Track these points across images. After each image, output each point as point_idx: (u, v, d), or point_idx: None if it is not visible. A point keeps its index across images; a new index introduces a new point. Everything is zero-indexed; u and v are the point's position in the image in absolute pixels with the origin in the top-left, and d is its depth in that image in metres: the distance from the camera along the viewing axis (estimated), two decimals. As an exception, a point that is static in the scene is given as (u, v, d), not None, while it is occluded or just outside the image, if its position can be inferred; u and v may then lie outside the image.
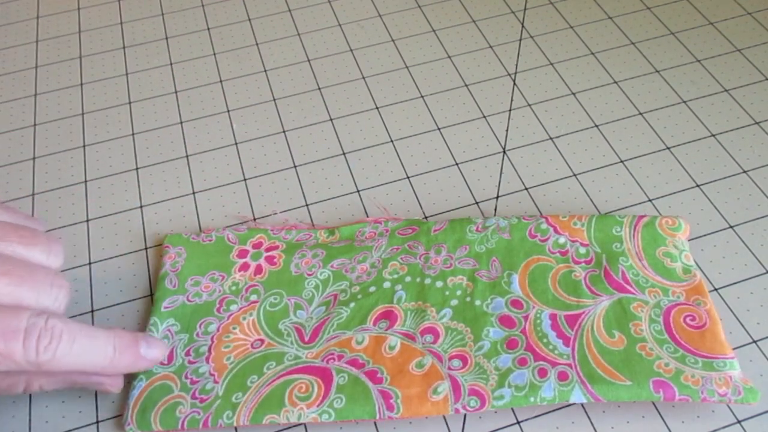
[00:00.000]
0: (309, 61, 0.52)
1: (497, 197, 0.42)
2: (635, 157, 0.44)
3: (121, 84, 0.51)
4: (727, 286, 0.38)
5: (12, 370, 0.29)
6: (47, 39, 0.54)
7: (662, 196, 0.42)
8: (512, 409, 0.34)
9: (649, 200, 0.42)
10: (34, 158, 0.46)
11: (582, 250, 0.38)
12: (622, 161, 0.44)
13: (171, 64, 0.52)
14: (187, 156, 0.46)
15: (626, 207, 0.42)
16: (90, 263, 0.40)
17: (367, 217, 0.42)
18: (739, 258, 0.39)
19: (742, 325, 0.36)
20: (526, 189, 0.43)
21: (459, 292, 0.37)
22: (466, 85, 0.49)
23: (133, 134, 0.47)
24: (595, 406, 0.34)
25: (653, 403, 0.34)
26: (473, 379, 0.33)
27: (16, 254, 0.31)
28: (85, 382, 0.33)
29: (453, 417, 0.34)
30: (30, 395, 0.35)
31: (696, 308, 0.35)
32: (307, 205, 0.43)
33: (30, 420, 0.35)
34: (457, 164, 0.44)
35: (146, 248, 0.41)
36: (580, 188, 0.43)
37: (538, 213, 0.41)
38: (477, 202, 0.42)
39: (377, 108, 0.48)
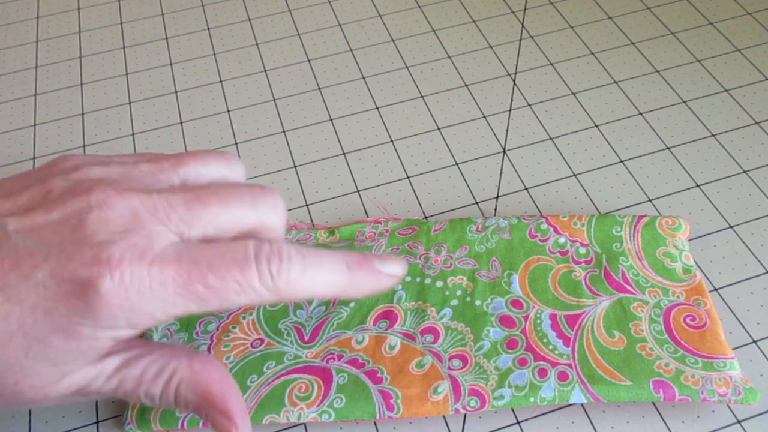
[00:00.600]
0: (309, 61, 0.52)
1: (497, 197, 0.43)
2: (635, 157, 0.44)
3: (121, 84, 0.51)
4: (727, 286, 0.38)
5: (255, 303, 0.27)
6: (47, 39, 0.54)
7: (662, 196, 0.42)
8: (512, 409, 0.34)
9: (649, 200, 0.42)
10: (34, 158, 0.46)
11: (582, 250, 0.38)
12: (622, 161, 0.44)
13: (171, 64, 0.52)
14: (187, 156, 0.46)
15: (626, 207, 0.42)
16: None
17: (367, 217, 0.42)
18: (739, 258, 0.39)
19: (742, 325, 0.36)
20: (526, 189, 0.43)
21: (459, 292, 0.37)
22: (466, 85, 0.49)
23: (133, 134, 0.47)
24: (595, 406, 0.34)
25: (653, 403, 0.34)
26: (473, 379, 0.33)
27: (202, 176, 0.29)
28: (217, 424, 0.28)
29: (453, 417, 0.34)
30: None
31: (696, 308, 0.35)
32: (307, 205, 0.43)
33: (30, 420, 0.35)
34: (457, 164, 0.44)
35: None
36: (580, 188, 0.43)
37: (538, 213, 0.41)
38: (477, 202, 0.42)
39: (377, 108, 0.48)
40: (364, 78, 0.50)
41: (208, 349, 0.35)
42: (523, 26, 0.53)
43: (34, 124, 0.48)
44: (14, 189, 0.27)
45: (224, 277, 0.26)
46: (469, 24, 0.54)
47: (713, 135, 0.45)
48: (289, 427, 0.34)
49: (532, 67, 0.50)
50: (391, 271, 0.29)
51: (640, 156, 0.44)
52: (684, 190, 0.42)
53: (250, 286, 0.26)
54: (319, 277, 0.27)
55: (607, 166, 0.44)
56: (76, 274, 0.24)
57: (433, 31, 0.53)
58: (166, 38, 0.54)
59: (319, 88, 0.50)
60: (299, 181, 0.44)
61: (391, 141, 0.46)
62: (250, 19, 0.55)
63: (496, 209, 0.42)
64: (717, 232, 0.40)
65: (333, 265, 0.28)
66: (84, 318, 0.24)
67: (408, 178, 0.44)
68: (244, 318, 0.36)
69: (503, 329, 0.35)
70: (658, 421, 0.33)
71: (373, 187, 0.43)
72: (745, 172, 0.43)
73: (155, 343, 0.28)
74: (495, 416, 0.34)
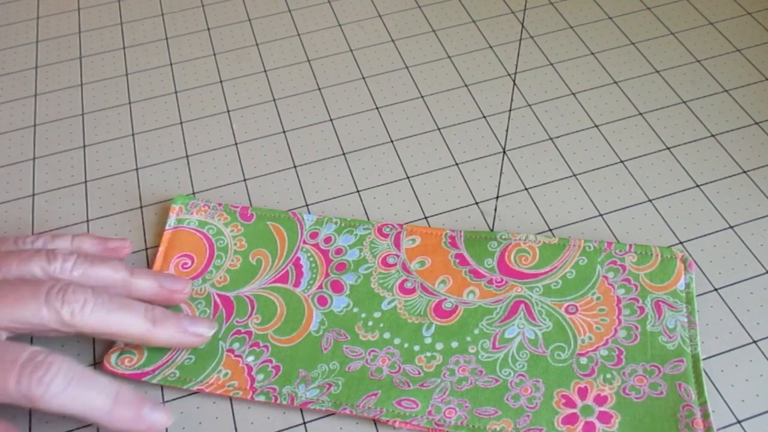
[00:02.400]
0: (309, 61, 0.52)
1: (497, 197, 0.43)
2: (635, 157, 0.44)
3: (121, 84, 0.51)
4: (727, 286, 0.38)
5: (5, 402, 0.30)
6: (47, 39, 0.54)
7: (662, 196, 0.42)
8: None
9: (649, 200, 0.42)
10: (34, 158, 0.46)
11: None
12: (622, 161, 0.44)
13: (171, 64, 0.52)
14: (187, 156, 0.46)
15: (626, 207, 0.42)
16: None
17: (368, 219, 0.42)
18: (739, 258, 0.39)
19: (742, 325, 0.37)
20: (526, 189, 0.43)
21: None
22: (466, 85, 0.49)
23: (133, 134, 0.47)
24: (595, 406, 0.34)
25: (653, 403, 0.34)
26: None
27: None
28: None
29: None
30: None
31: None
32: (307, 205, 0.43)
33: (30, 420, 0.35)
34: (457, 164, 0.44)
35: (146, 248, 0.41)
36: (580, 188, 0.43)
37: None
38: (477, 203, 0.42)
39: (377, 108, 0.48)
40: (364, 78, 0.50)
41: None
42: (523, 26, 0.53)
43: (34, 125, 0.48)
44: None
45: None
46: (469, 24, 0.54)
47: (713, 135, 0.45)
48: (290, 427, 0.34)
49: (532, 67, 0.50)
50: (156, 419, 0.32)
51: (640, 156, 0.44)
52: (684, 190, 0.42)
53: (4, 389, 0.30)
54: (77, 400, 0.30)
55: (607, 166, 0.44)
56: None
57: (433, 31, 0.53)
58: (166, 38, 0.54)
59: (319, 88, 0.50)
60: (299, 181, 0.44)
61: (391, 141, 0.46)
62: (250, 19, 0.55)
63: (496, 209, 0.42)
64: (717, 232, 0.40)
65: (98, 394, 0.31)
66: None
67: (408, 178, 0.44)
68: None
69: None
70: (658, 421, 0.33)
71: (373, 187, 0.43)
72: (745, 172, 0.43)
73: None
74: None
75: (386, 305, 0.37)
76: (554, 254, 0.39)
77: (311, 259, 0.39)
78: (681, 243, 0.40)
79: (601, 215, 0.41)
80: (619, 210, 0.41)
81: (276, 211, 0.41)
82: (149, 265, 0.40)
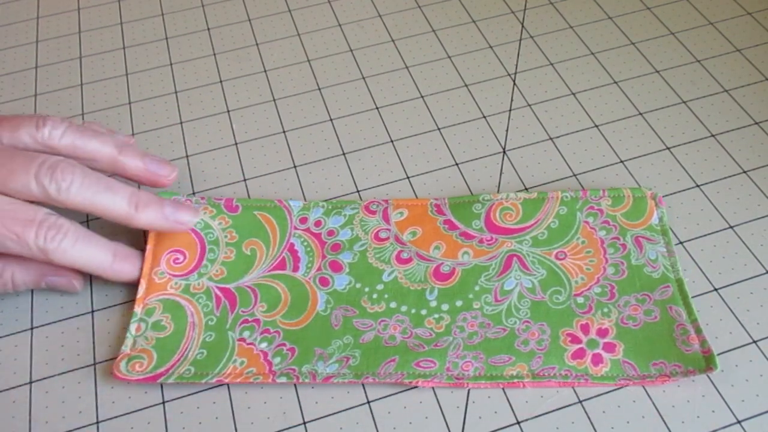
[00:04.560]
0: (309, 61, 0.52)
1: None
2: (635, 157, 0.44)
3: (121, 84, 0.51)
4: (727, 286, 0.38)
5: (25, 254, 0.35)
6: (47, 39, 0.54)
7: (662, 196, 0.42)
8: (512, 409, 0.34)
9: (649, 200, 0.42)
10: (34, 158, 0.46)
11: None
12: (622, 161, 0.44)
13: (171, 64, 0.52)
14: (187, 156, 0.46)
15: (626, 207, 0.42)
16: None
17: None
18: (739, 258, 0.39)
19: (742, 325, 0.37)
20: (526, 189, 0.43)
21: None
22: (466, 85, 0.49)
23: (132, 134, 0.47)
24: (596, 406, 0.34)
25: (653, 403, 0.34)
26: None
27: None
28: (56, 282, 0.38)
29: (453, 417, 0.34)
30: (30, 395, 0.35)
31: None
32: (307, 205, 0.43)
33: (30, 420, 0.35)
34: (457, 164, 0.44)
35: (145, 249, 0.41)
36: (580, 188, 0.43)
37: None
38: (477, 202, 0.42)
39: (377, 108, 0.48)
40: (364, 78, 0.50)
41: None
42: (523, 26, 0.53)
43: (34, 124, 0.48)
44: None
45: (8, 228, 0.34)
46: (469, 24, 0.54)
47: (713, 135, 0.45)
48: (290, 427, 0.34)
49: (532, 67, 0.50)
50: (182, 219, 0.38)
51: (640, 156, 0.44)
52: (684, 190, 0.42)
53: (26, 242, 0.34)
54: (84, 254, 0.36)
55: (607, 166, 0.44)
56: None
57: (433, 31, 0.53)
58: (166, 38, 0.54)
59: (319, 88, 0.50)
60: (299, 181, 0.44)
61: (391, 141, 0.46)
62: (250, 19, 0.55)
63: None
64: (717, 232, 0.40)
65: (99, 251, 0.36)
66: None
67: (408, 178, 0.44)
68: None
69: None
70: (658, 421, 0.34)
71: (373, 187, 0.43)
72: (745, 172, 0.43)
73: None
74: (495, 416, 0.34)
75: (387, 277, 0.38)
76: (536, 208, 0.40)
77: (305, 243, 0.40)
78: (681, 243, 0.40)
79: (601, 215, 0.41)
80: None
81: (261, 200, 0.42)
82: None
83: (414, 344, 0.36)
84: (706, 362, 0.34)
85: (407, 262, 0.39)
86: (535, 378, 0.34)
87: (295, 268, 0.39)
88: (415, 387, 0.35)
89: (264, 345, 0.36)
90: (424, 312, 0.37)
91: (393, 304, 0.37)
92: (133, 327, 0.37)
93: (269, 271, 0.39)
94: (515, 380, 0.34)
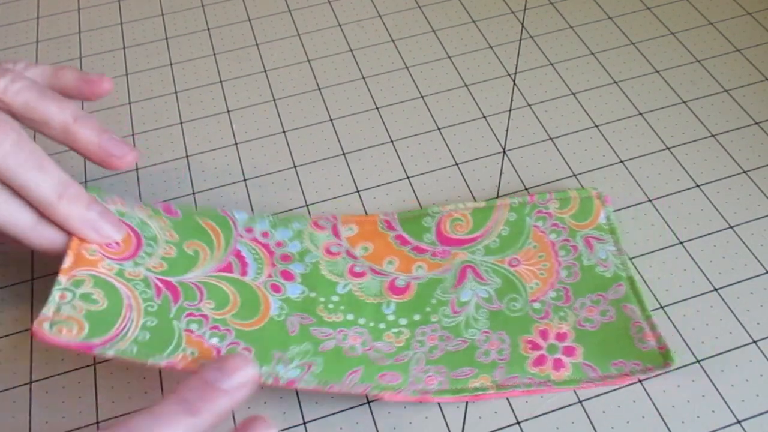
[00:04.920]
0: (309, 61, 0.52)
1: (497, 197, 0.43)
2: (635, 157, 0.44)
3: (121, 84, 0.51)
4: (728, 286, 0.38)
5: None
6: (47, 39, 0.54)
7: (662, 196, 0.42)
8: (512, 409, 0.34)
9: (649, 200, 0.42)
10: (34, 158, 0.46)
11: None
12: (622, 161, 0.44)
13: (171, 64, 0.52)
14: (187, 156, 0.46)
15: (627, 207, 0.42)
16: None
17: (366, 214, 0.42)
18: (739, 258, 0.39)
19: (742, 325, 0.37)
20: (526, 189, 0.43)
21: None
22: (466, 85, 0.49)
23: (133, 134, 0.47)
24: (596, 406, 0.34)
25: (653, 403, 0.34)
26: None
27: None
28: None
29: (453, 417, 0.34)
30: (30, 395, 0.35)
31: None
32: (307, 205, 0.43)
33: (30, 420, 0.35)
34: (457, 164, 0.44)
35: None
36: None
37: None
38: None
39: (377, 108, 0.48)
40: (364, 78, 0.50)
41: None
42: (523, 26, 0.53)
43: (34, 124, 0.48)
44: None
45: None
46: (469, 24, 0.54)
47: (713, 135, 0.45)
48: (290, 427, 0.34)
49: (532, 67, 0.50)
50: (103, 231, 0.34)
51: (640, 156, 0.44)
52: (684, 190, 0.42)
53: None
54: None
55: (607, 166, 0.44)
56: None
57: (433, 31, 0.53)
58: (166, 38, 0.54)
59: (319, 88, 0.50)
60: (299, 181, 0.44)
61: (391, 141, 0.46)
62: (250, 19, 0.55)
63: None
64: (717, 232, 0.40)
65: (48, 178, 0.33)
66: None
67: (408, 178, 0.44)
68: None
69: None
70: (658, 421, 0.34)
71: (373, 187, 0.43)
72: (745, 172, 0.43)
73: None
74: (495, 416, 0.34)
75: (341, 289, 0.38)
76: (485, 216, 0.40)
77: (253, 251, 0.38)
78: (681, 243, 0.40)
79: (601, 215, 0.41)
80: (619, 210, 0.41)
81: (203, 208, 0.39)
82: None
83: (376, 357, 0.35)
84: (663, 358, 0.34)
85: (361, 275, 0.38)
86: (499, 389, 0.34)
87: (243, 273, 0.37)
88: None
89: (215, 341, 0.34)
90: (382, 326, 0.36)
91: (350, 316, 0.37)
92: (56, 294, 0.33)
93: (214, 272, 0.36)
94: (479, 392, 0.34)
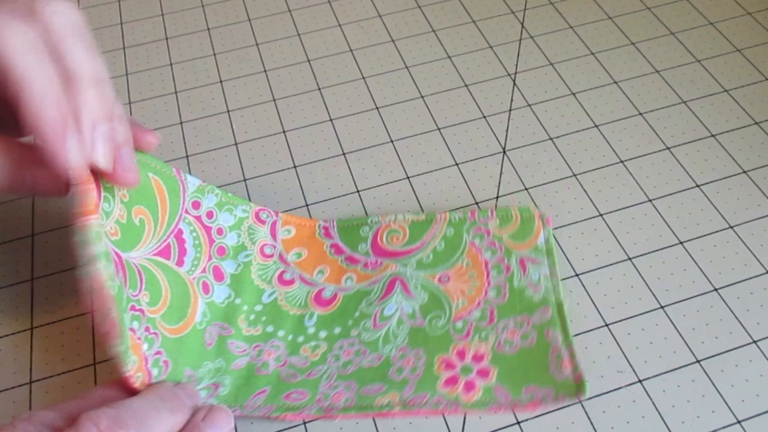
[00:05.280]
0: (309, 61, 0.52)
1: (497, 197, 0.43)
2: (635, 157, 0.44)
3: (121, 84, 0.51)
4: (728, 286, 0.38)
5: None
6: (47, 39, 0.54)
7: (662, 197, 0.42)
8: (512, 408, 0.34)
9: (649, 200, 0.42)
10: (34, 158, 0.46)
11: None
12: (622, 161, 0.44)
13: (171, 64, 0.52)
14: (187, 156, 0.46)
15: (626, 207, 0.42)
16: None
17: (366, 214, 0.42)
18: (739, 258, 0.39)
19: (742, 325, 0.37)
20: (526, 189, 0.43)
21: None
22: (466, 85, 0.49)
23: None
24: (596, 406, 0.34)
25: (653, 403, 0.34)
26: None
27: None
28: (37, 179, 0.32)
29: (453, 417, 0.34)
30: (30, 395, 0.35)
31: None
32: (307, 205, 0.43)
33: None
34: (457, 164, 0.44)
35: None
36: (580, 188, 0.43)
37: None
38: (477, 202, 0.42)
39: (377, 108, 0.48)
40: (364, 78, 0.50)
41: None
42: (523, 26, 0.53)
43: (34, 124, 0.48)
44: None
45: None
46: (469, 24, 0.54)
47: (713, 135, 0.45)
48: (290, 427, 0.34)
49: (532, 67, 0.50)
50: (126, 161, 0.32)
51: (640, 156, 0.44)
52: (684, 190, 0.42)
53: None
54: None
55: (607, 166, 0.44)
56: None
57: (433, 31, 0.53)
58: (166, 38, 0.54)
59: (319, 88, 0.50)
60: (299, 181, 0.44)
61: (391, 141, 0.46)
62: (250, 19, 0.55)
63: (496, 209, 0.42)
64: (717, 232, 0.40)
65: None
66: None
67: (408, 178, 0.44)
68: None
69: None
70: (659, 421, 0.34)
71: (373, 187, 0.43)
72: (745, 172, 0.43)
73: None
74: (495, 416, 0.34)
75: (267, 298, 0.38)
76: (423, 230, 0.40)
77: (194, 234, 0.37)
78: (681, 243, 0.40)
79: (601, 215, 0.41)
80: (618, 210, 0.41)
81: (159, 163, 0.36)
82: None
83: (287, 374, 0.35)
84: (577, 388, 0.33)
85: (290, 283, 0.38)
86: (405, 407, 0.34)
87: (180, 262, 0.36)
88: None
89: (146, 347, 0.32)
90: (301, 339, 0.36)
91: (270, 328, 0.37)
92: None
93: (153, 255, 0.34)
94: (385, 410, 0.34)
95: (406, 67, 0.51)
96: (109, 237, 0.32)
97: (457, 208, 0.42)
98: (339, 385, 0.35)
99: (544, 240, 0.39)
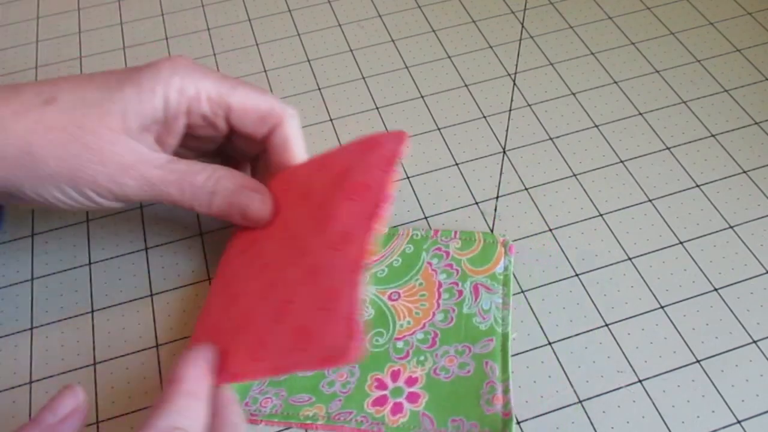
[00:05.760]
0: (309, 61, 0.52)
1: (497, 197, 0.43)
2: (635, 157, 0.44)
3: (121, 84, 0.51)
4: (728, 286, 0.38)
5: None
6: (47, 39, 0.54)
7: (662, 197, 0.42)
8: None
9: (649, 200, 0.42)
10: (34, 158, 0.46)
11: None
12: (622, 161, 0.44)
13: (171, 64, 0.52)
14: (187, 156, 0.46)
15: (626, 207, 0.42)
16: (90, 263, 0.40)
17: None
18: (739, 258, 0.39)
19: (742, 325, 0.37)
20: (526, 189, 0.43)
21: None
22: (466, 85, 0.49)
23: (133, 134, 0.47)
24: (596, 406, 0.34)
25: (653, 403, 0.34)
26: None
27: None
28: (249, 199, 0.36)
29: (453, 417, 0.34)
30: (30, 395, 0.35)
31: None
32: (307, 205, 0.43)
33: (30, 417, 0.35)
34: (457, 164, 0.44)
35: (146, 248, 0.41)
36: (580, 188, 0.43)
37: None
38: (477, 203, 0.42)
39: (377, 108, 0.48)
40: (364, 78, 0.50)
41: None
42: (523, 26, 0.53)
43: (34, 124, 0.48)
44: None
45: None
46: (469, 24, 0.54)
47: (713, 135, 0.45)
48: (290, 427, 0.34)
49: (532, 67, 0.50)
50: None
51: (640, 156, 0.44)
52: (684, 190, 0.42)
53: None
54: None
55: (607, 166, 0.44)
56: None
57: (433, 31, 0.53)
58: (166, 38, 0.54)
59: (319, 88, 0.50)
60: (299, 181, 0.44)
61: (391, 141, 0.46)
62: (250, 19, 0.55)
63: (496, 209, 0.42)
64: (717, 232, 0.40)
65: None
66: None
67: (408, 178, 0.44)
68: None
69: None
70: (659, 421, 0.34)
71: (373, 187, 0.43)
72: (745, 172, 0.43)
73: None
74: (495, 416, 0.34)
75: None
76: (383, 244, 0.40)
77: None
78: (681, 243, 0.40)
79: (601, 215, 0.41)
80: (619, 210, 0.41)
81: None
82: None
83: None
84: (503, 425, 0.33)
85: None
86: (329, 421, 0.34)
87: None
88: None
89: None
90: None
91: None
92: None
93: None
94: (309, 421, 0.34)
95: (406, 67, 0.51)
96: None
97: (457, 209, 0.42)
98: (269, 391, 0.34)
99: (503, 268, 0.39)
